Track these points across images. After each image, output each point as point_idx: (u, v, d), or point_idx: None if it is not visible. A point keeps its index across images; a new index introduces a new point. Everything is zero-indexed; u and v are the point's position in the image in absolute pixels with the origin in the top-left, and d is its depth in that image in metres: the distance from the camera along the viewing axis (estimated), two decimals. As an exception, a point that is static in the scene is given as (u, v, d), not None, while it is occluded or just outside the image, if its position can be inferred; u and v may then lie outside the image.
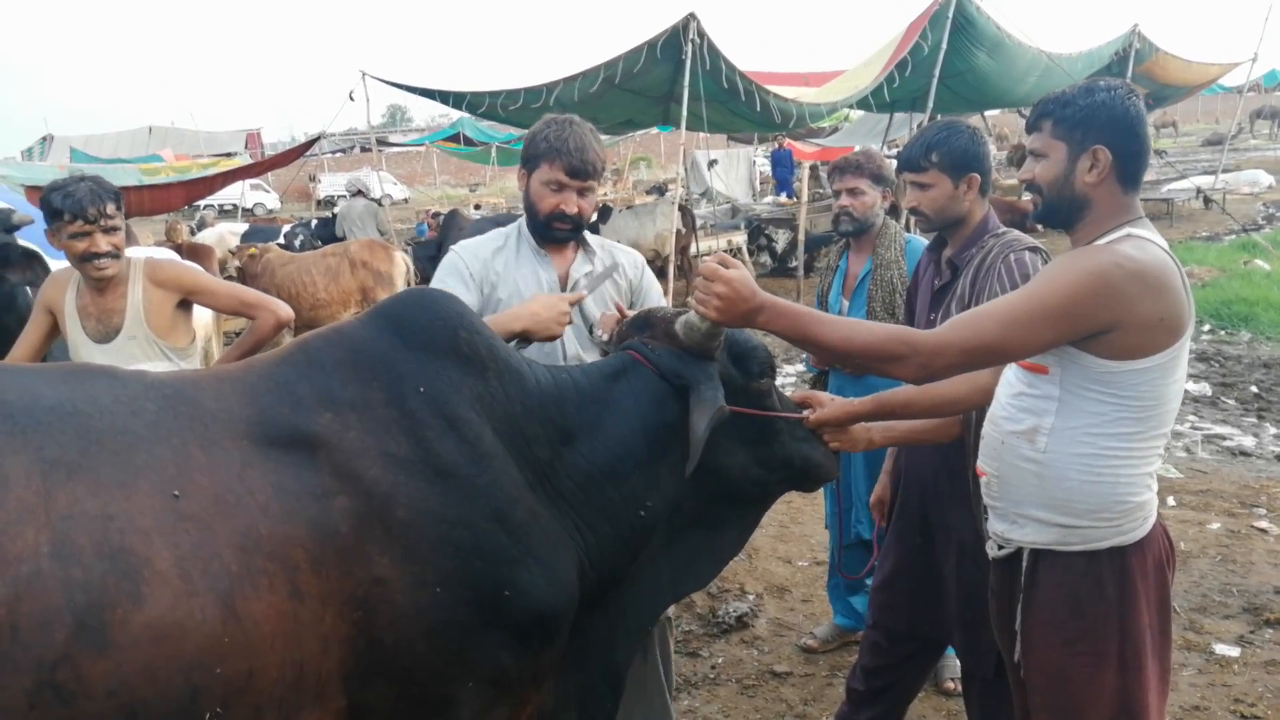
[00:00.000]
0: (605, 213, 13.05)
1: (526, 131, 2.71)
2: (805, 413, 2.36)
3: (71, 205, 2.95)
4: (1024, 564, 2.12)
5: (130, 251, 3.22)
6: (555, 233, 2.65)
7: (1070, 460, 1.99)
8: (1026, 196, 2.32)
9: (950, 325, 1.97)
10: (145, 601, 1.46)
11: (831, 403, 2.37)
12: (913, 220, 2.84)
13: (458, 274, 2.68)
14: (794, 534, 5.23)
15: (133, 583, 1.46)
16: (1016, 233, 2.68)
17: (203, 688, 1.49)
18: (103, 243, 3.01)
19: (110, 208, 3.02)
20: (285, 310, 3.27)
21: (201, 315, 3.67)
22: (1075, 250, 1.99)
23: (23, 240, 4.07)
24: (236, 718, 1.54)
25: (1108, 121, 1.95)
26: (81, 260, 3.02)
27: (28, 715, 1.37)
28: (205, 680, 1.49)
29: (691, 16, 10.36)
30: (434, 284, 2.65)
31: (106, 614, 1.42)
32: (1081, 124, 1.96)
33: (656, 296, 2.83)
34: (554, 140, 2.56)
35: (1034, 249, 2.58)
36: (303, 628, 1.61)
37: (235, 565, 1.55)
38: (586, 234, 2.77)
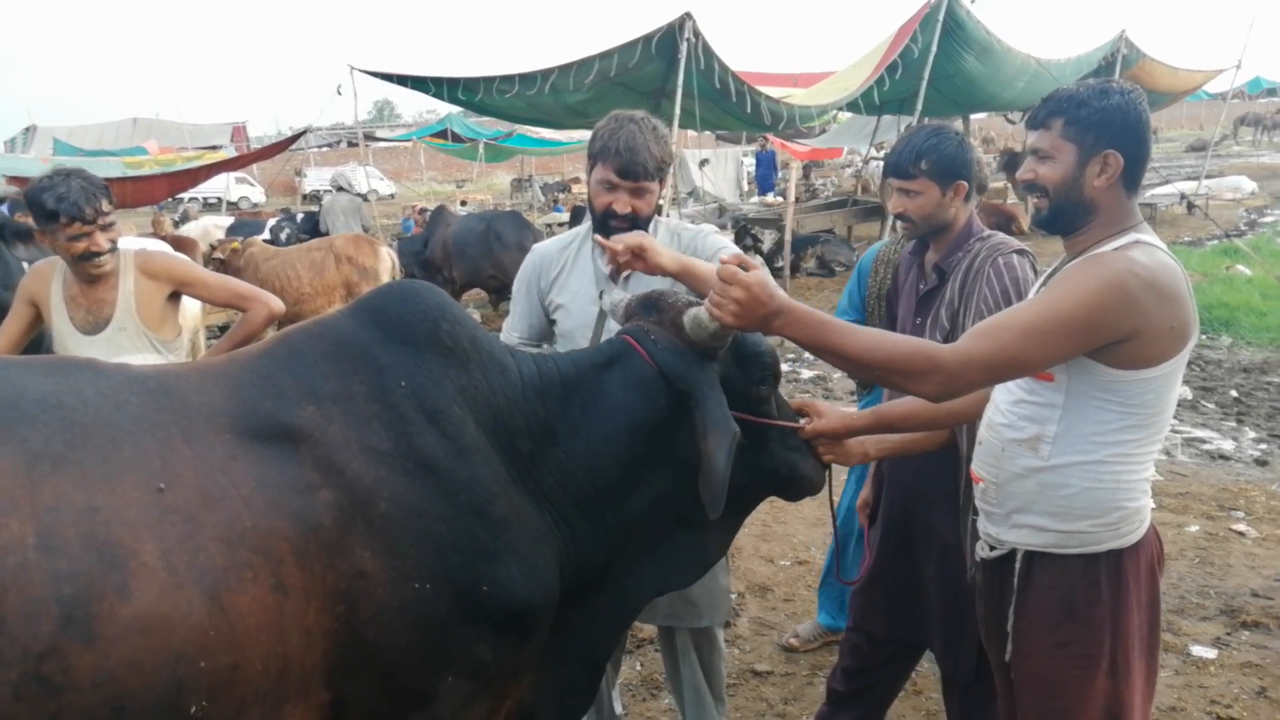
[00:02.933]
0: (579, 213, 13.05)
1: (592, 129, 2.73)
2: (802, 422, 2.27)
3: (68, 208, 2.91)
4: (1017, 565, 2.08)
5: (120, 243, 3.20)
6: (611, 230, 2.67)
7: (1073, 467, 1.97)
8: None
9: (970, 340, 1.89)
10: (131, 594, 1.45)
11: (830, 413, 2.29)
12: (898, 224, 2.84)
13: (522, 281, 2.86)
14: (776, 534, 5.25)
15: (119, 575, 1.45)
16: (1002, 235, 2.68)
17: (188, 680, 1.49)
18: (102, 240, 2.99)
19: (104, 204, 3.00)
20: (277, 303, 3.27)
21: (189, 307, 3.66)
22: (1089, 258, 1.93)
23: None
24: (222, 711, 1.54)
25: (1122, 126, 1.90)
26: (80, 259, 3.00)
27: (14, 707, 1.37)
28: (191, 673, 1.49)
29: (687, 15, 10.38)
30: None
31: (93, 606, 1.42)
32: (1095, 127, 1.90)
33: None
34: (607, 139, 2.58)
35: (1021, 252, 2.57)
36: (286, 621, 1.61)
37: (220, 558, 1.55)
38: (661, 220, 2.79)
